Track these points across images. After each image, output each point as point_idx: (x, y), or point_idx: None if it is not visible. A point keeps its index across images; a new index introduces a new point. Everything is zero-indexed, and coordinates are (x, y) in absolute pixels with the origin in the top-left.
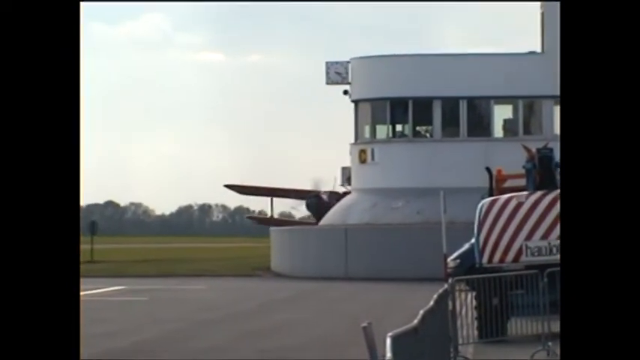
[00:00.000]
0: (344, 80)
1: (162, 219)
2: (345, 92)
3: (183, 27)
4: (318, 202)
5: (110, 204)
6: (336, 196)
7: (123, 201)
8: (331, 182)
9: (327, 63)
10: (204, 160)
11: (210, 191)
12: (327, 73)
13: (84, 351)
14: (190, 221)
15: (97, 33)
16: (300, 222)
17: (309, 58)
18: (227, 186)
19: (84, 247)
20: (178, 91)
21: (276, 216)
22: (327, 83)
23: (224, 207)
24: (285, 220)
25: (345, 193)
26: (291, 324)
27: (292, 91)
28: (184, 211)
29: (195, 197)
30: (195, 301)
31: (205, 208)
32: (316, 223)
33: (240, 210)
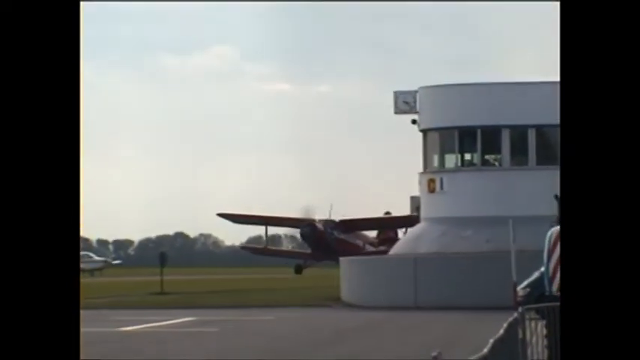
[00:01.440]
0: (412, 109)
1: (233, 250)
2: (414, 122)
3: (253, 58)
4: (313, 231)
5: (180, 235)
6: (331, 225)
7: (193, 232)
8: (325, 209)
9: (395, 92)
10: (274, 191)
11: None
12: (396, 103)
13: None
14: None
15: (168, 64)
16: (295, 252)
17: (377, 87)
18: (220, 215)
19: (154, 278)
20: (248, 122)
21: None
22: (396, 112)
23: (293, 237)
24: (280, 250)
25: (343, 222)
26: (362, 353)
27: (360, 121)
28: (254, 242)
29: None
30: (266, 331)
31: (275, 239)
32: (311, 253)
33: None
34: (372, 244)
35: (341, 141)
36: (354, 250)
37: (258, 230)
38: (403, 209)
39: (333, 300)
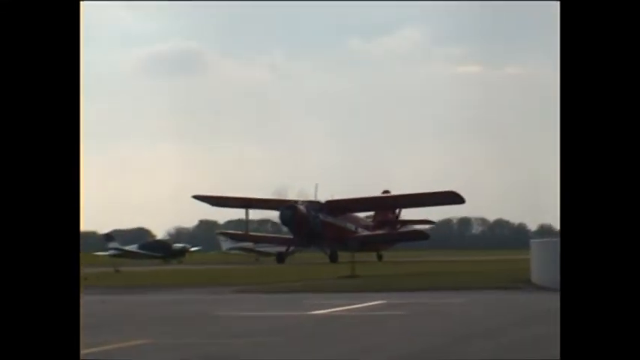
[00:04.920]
0: None
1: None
2: None
3: (442, 41)
4: (294, 214)
5: None
6: (316, 206)
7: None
8: (297, 191)
9: None
10: (464, 174)
11: (470, 204)
12: None
13: None
14: (449, 234)
15: (355, 49)
16: (278, 238)
17: None
18: (195, 197)
19: (345, 261)
20: (437, 104)
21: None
22: None
23: (483, 220)
24: (262, 236)
25: (330, 203)
26: (552, 337)
27: (551, 102)
28: (444, 225)
29: (455, 211)
30: (454, 314)
31: (465, 222)
32: (293, 237)
33: (500, 223)
34: (366, 227)
35: (531, 123)
36: (345, 235)
37: (447, 213)
38: None
39: (523, 282)
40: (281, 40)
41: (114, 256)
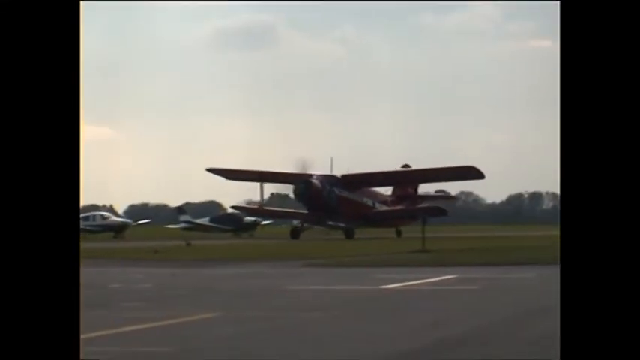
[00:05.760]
0: None
1: (493, 207)
2: None
3: (515, 16)
4: (308, 189)
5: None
6: (331, 180)
7: (453, 190)
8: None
9: None
10: (535, 149)
11: (541, 179)
12: None
13: (413, 340)
14: (520, 209)
15: (427, 24)
16: (293, 213)
17: None
18: (209, 170)
19: (415, 236)
20: (507, 81)
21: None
22: None
23: (554, 195)
24: (277, 211)
25: (346, 177)
26: None
27: None
28: (514, 200)
29: (526, 186)
30: (525, 289)
31: (536, 197)
32: (308, 213)
33: None
34: (384, 202)
35: None
36: (361, 210)
37: (519, 188)
38: None
39: None
40: (352, 15)
41: (185, 229)
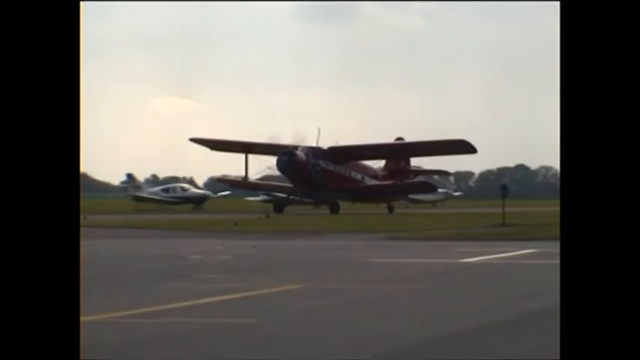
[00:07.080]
0: None
1: None
2: None
3: None
4: (291, 160)
5: (520, 167)
6: (317, 153)
7: (533, 164)
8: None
9: None
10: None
11: None
12: None
13: (514, 309)
14: None
15: None
16: (278, 186)
17: None
18: (193, 139)
19: (495, 210)
20: None
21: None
22: None
23: None
24: (263, 184)
25: (333, 149)
26: None
27: None
28: None
29: None
30: None
31: None
32: (292, 185)
33: None
34: (375, 176)
35: None
36: (349, 184)
37: None
38: None
39: None
40: None
41: (265, 201)
